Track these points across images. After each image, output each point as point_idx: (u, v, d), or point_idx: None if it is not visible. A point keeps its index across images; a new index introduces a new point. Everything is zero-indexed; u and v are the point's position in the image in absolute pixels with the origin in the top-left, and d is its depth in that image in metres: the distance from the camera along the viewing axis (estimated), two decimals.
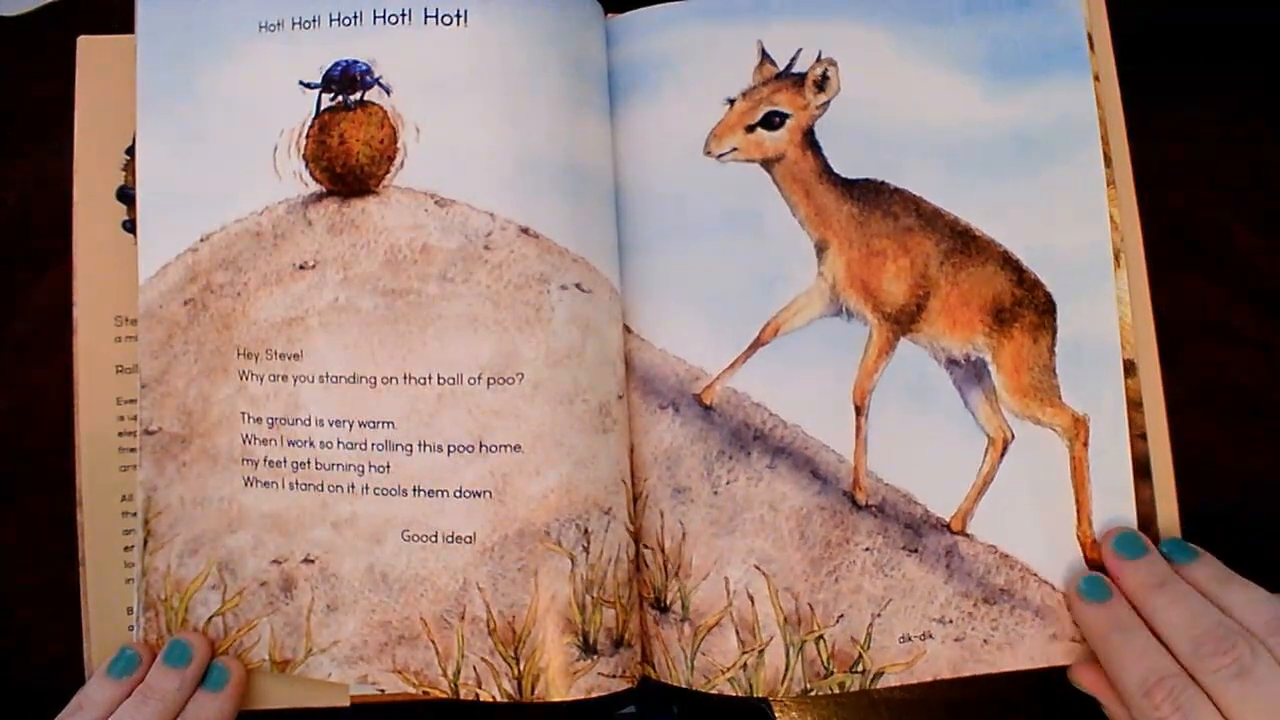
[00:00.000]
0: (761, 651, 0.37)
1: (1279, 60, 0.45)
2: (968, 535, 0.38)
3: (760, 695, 0.37)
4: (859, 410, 0.39)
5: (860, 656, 0.37)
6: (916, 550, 0.38)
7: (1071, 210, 0.39)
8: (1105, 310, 0.38)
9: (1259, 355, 0.43)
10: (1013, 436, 0.38)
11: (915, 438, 0.38)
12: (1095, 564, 0.37)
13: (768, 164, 0.40)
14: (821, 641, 0.38)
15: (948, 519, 0.38)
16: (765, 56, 0.40)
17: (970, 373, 0.39)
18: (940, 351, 0.39)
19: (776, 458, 0.39)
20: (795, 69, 0.40)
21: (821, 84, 0.40)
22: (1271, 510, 0.42)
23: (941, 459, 0.38)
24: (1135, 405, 0.38)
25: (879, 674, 0.37)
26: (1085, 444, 0.38)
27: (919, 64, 0.39)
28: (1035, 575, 0.38)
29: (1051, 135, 0.39)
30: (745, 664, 0.37)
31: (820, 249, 0.39)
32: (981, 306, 0.39)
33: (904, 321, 0.39)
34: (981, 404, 0.39)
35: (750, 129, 0.40)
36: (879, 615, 0.38)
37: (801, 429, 0.39)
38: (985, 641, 0.37)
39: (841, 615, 0.38)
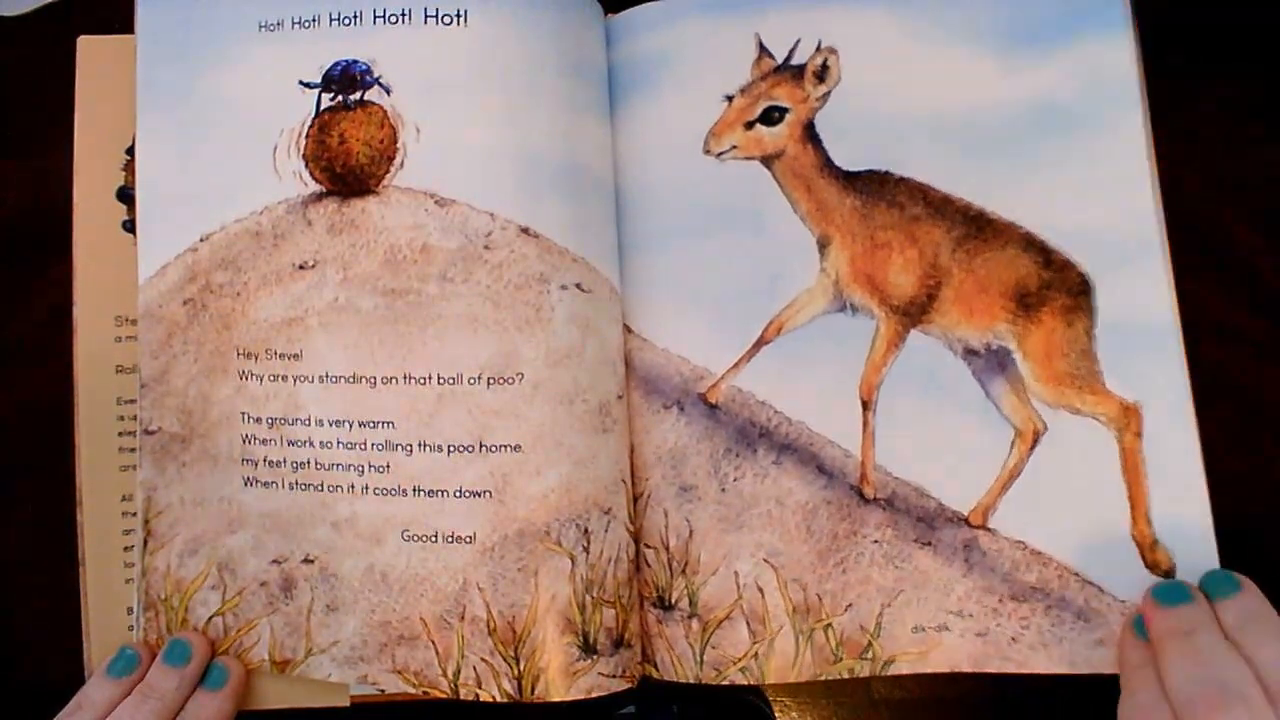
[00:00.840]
0: (772, 641, 0.37)
1: (1279, 60, 0.44)
2: (989, 530, 0.37)
3: (771, 683, 0.37)
4: (866, 405, 0.38)
5: (870, 644, 0.37)
6: (930, 543, 0.37)
7: (1108, 179, 0.36)
8: (1154, 286, 0.36)
9: (1259, 355, 0.43)
10: (1045, 428, 0.37)
11: (928, 431, 0.37)
12: (1156, 567, 0.35)
13: (767, 160, 0.39)
14: (830, 629, 0.37)
15: (965, 513, 0.37)
16: (763, 49, 0.39)
17: (992, 362, 0.37)
18: (956, 342, 0.38)
19: (782, 454, 0.38)
20: (794, 60, 0.39)
21: (821, 74, 0.39)
22: (1272, 510, 0.42)
23: (958, 452, 0.37)
24: None
25: (890, 661, 0.37)
26: (1138, 434, 0.36)
27: (925, 43, 0.38)
28: (1077, 575, 0.36)
29: (1081, 100, 0.37)
30: (756, 654, 0.37)
31: (822, 245, 0.39)
32: (1002, 292, 0.37)
33: (914, 313, 0.38)
34: (1006, 395, 0.37)
35: (749, 126, 0.39)
36: (889, 605, 0.37)
37: (806, 425, 0.38)
38: (1013, 639, 0.36)
39: (850, 604, 0.37)
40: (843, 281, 0.38)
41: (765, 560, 0.38)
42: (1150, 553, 0.35)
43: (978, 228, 0.37)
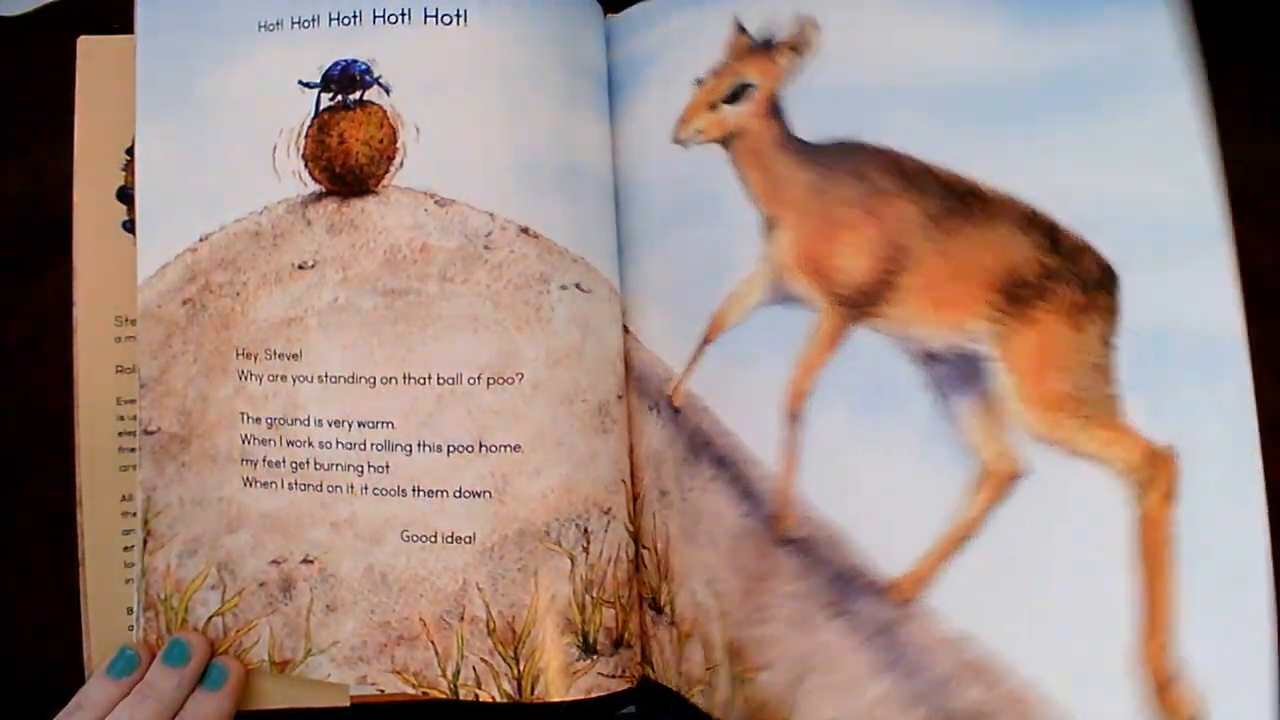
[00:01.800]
0: (716, 671, 0.34)
1: (1279, 59, 0.44)
2: (921, 611, 0.27)
3: (717, 718, 0.33)
4: (793, 417, 0.30)
5: None
6: (843, 614, 0.28)
7: (1148, 151, 0.27)
8: (1212, 282, 0.26)
9: (1259, 355, 0.43)
10: (1022, 469, 0.26)
11: (861, 458, 0.29)
12: (1173, 713, 0.23)
13: (727, 141, 0.35)
14: (754, 685, 0.31)
15: (887, 580, 0.27)
16: (740, 30, 0.35)
17: (959, 371, 0.28)
18: (912, 341, 0.29)
19: (719, 469, 0.33)
20: (771, 39, 0.35)
21: (798, 47, 0.34)
22: (1272, 513, 0.42)
23: (894, 491, 0.28)
24: None
25: None
26: (1167, 494, 0.24)
27: (922, 10, 0.31)
28: (1046, 702, 0.24)
29: (1112, 72, 0.28)
30: (708, 681, 0.34)
31: (769, 227, 0.33)
32: (985, 281, 0.28)
33: (861, 304, 0.30)
34: (974, 416, 0.27)
35: (714, 107, 0.36)
36: (802, 681, 0.29)
37: (739, 438, 0.33)
38: None
39: (769, 665, 0.30)
40: (783, 267, 0.32)
41: (708, 583, 0.34)
42: (1165, 691, 0.23)
43: (963, 203, 0.29)
